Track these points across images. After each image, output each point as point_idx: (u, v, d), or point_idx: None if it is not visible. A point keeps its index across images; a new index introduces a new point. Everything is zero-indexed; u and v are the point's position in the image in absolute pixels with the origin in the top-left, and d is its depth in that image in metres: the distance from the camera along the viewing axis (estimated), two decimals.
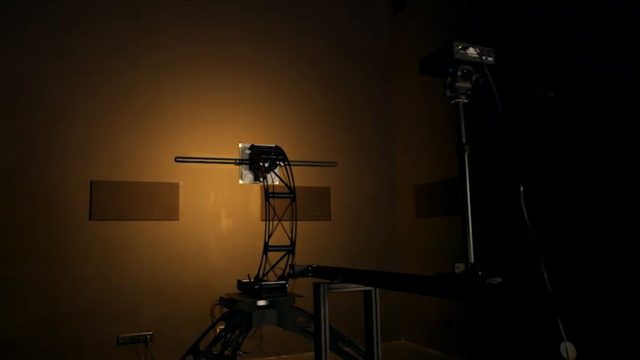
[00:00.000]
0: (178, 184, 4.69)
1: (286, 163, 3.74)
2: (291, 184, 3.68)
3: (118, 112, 4.61)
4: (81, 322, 4.24)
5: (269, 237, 3.58)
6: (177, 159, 3.77)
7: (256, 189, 4.96)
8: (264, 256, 3.56)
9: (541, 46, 3.90)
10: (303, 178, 5.09)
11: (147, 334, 4.41)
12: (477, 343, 4.53)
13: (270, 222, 3.59)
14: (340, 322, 3.63)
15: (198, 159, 3.95)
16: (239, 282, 3.83)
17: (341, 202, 5.46)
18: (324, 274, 2.71)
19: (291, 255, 3.64)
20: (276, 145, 3.81)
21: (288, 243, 3.71)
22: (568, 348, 4.09)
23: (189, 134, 4.84)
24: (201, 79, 4.98)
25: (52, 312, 4.18)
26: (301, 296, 3.60)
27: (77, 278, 4.29)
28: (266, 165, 3.72)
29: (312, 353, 5.04)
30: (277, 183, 3.80)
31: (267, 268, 3.60)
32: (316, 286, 2.37)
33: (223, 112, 5.03)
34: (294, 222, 3.61)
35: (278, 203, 4.65)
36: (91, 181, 4.40)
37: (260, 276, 3.61)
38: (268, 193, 3.63)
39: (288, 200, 3.72)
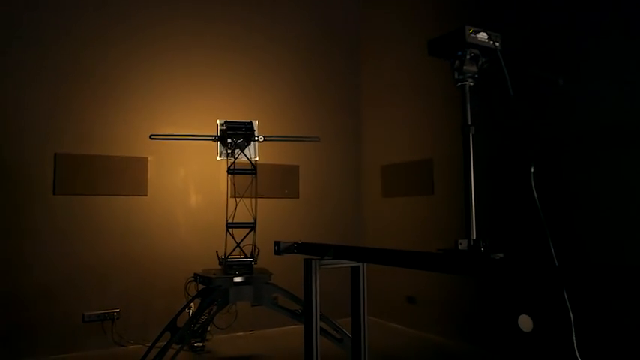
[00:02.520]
0: (147, 159, 4.57)
1: (253, 139, 3.71)
2: (254, 160, 3.67)
3: (84, 84, 4.41)
4: (44, 300, 4.09)
5: (232, 214, 3.58)
6: (152, 136, 3.69)
7: (223, 165, 4.89)
8: (227, 232, 3.56)
9: (517, 28, 4.03)
10: (273, 155, 5.09)
11: (113, 312, 4.32)
12: (439, 318, 4.73)
13: (234, 198, 3.61)
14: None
15: (174, 136, 3.87)
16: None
17: (309, 181, 5.49)
18: (309, 250, 2.73)
19: (253, 232, 3.64)
20: (249, 121, 3.80)
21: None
22: (525, 320, 4.32)
23: (160, 109, 4.70)
24: (174, 53, 4.82)
25: (15, 289, 4.01)
26: (271, 273, 3.65)
27: (40, 254, 4.13)
28: (236, 141, 3.69)
29: (277, 329, 5.10)
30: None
31: (232, 244, 3.61)
32: (307, 262, 2.40)
33: (195, 88, 4.91)
34: (255, 198, 3.60)
35: (247, 180, 4.66)
36: (55, 154, 4.20)
37: (226, 253, 3.62)
38: (229, 169, 3.62)
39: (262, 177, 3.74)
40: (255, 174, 3.69)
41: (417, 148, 5.10)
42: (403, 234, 5.18)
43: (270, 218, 5.17)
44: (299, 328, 4.93)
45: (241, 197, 3.67)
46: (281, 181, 5.28)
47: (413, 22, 5.26)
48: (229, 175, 3.67)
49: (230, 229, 3.62)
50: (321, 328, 3.56)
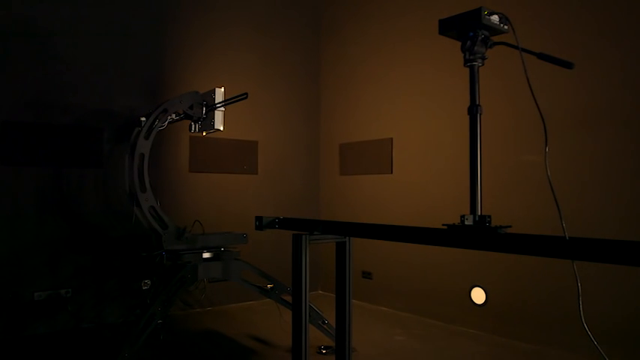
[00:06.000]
0: (103, 129, 4.32)
1: (159, 111, 3.60)
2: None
3: (32, 46, 4.07)
4: None
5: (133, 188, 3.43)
6: None
7: (185, 139, 4.75)
8: (135, 208, 3.43)
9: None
10: (232, 130, 4.98)
11: (65, 291, 4.10)
12: (394, 292, 4.90)
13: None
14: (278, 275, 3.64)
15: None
16: None
17: (268, 157, 5.44)
18: (291, 225, 2.73)
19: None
20: (193, 92, 3.75)
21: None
22: (477, 292, 4.56)
23: (116, 74, 4.45)
24: (133, 15, 4.56)
25: None
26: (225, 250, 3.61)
27: None
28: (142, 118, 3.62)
29: (234, 305, 5.08)
30: (204, 133, 3.80)
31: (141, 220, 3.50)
32: (297, 237, 2.39)
33: (160, 55, 4.70)
34: (144, 173, 3.46)
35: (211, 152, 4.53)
36: (0, 122, 3.87)
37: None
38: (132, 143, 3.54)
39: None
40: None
41: (376, 127, 5.17)
42: (360, 212, 5.27)
43: (229, 193, 5.10)
44: (255, 304, 4.99)
45: (135, 172, 3.49)
46: (240, 157, 5.19)
47: (374, 5, 5.28)
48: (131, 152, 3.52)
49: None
50: (287, 302, 3.60)
